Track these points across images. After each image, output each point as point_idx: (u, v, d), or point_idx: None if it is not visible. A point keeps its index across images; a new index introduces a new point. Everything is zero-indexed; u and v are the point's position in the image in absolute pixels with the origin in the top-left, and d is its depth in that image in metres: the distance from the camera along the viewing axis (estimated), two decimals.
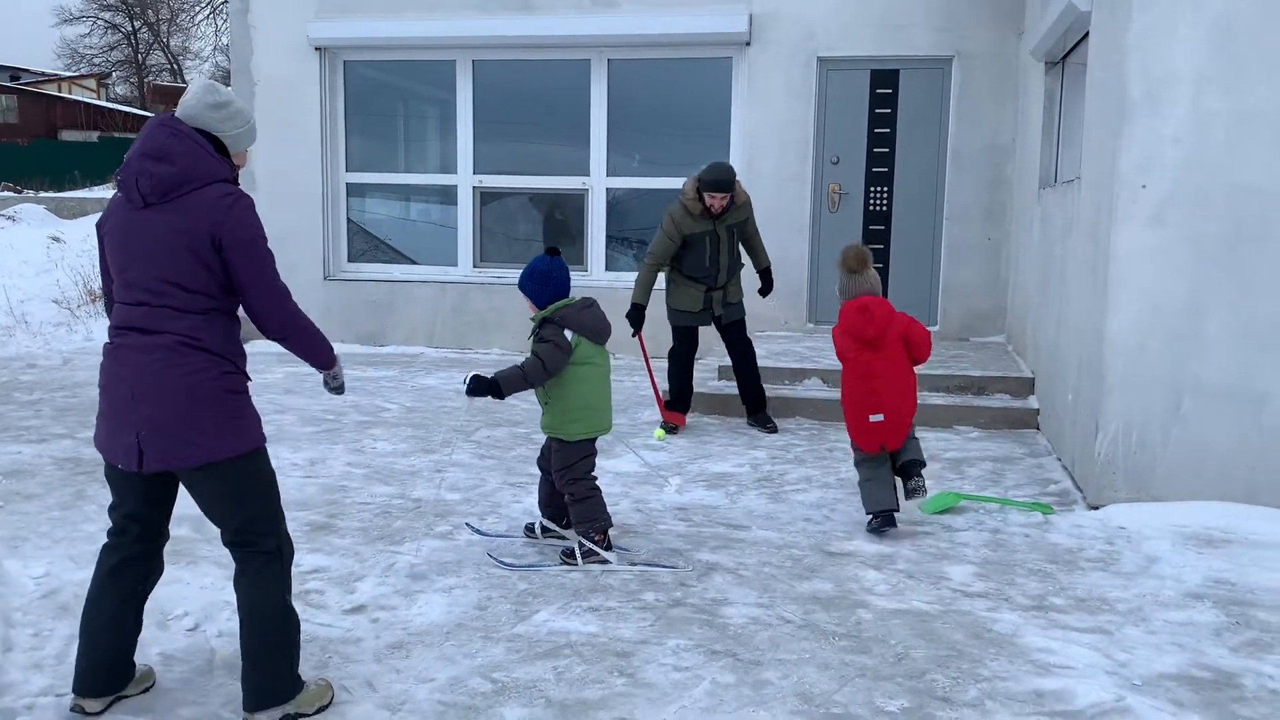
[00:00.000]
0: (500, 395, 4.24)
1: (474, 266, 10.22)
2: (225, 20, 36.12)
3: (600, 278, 9.97)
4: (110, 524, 3.11)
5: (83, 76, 47.67)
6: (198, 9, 42.03)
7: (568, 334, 4.28)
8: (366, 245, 10.56)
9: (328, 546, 4.50)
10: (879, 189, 9.31)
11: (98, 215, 18.68)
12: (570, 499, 4.40)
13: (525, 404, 7.51)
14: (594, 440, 4.46)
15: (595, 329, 4.37)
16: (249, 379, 3.06)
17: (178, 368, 2.86)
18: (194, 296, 2.88)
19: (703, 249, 6.66)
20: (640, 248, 10.12)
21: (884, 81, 9.19)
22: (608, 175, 9.89)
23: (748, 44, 9.26)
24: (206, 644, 3.54)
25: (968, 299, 9.19)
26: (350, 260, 10.49)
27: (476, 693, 3.24)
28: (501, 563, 4.31)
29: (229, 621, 3.69)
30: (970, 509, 5.15)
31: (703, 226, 6.60)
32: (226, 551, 4.32)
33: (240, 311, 3.01)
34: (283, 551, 3.08)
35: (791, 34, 9.18)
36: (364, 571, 4.21)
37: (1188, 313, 4.97)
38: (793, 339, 8.94)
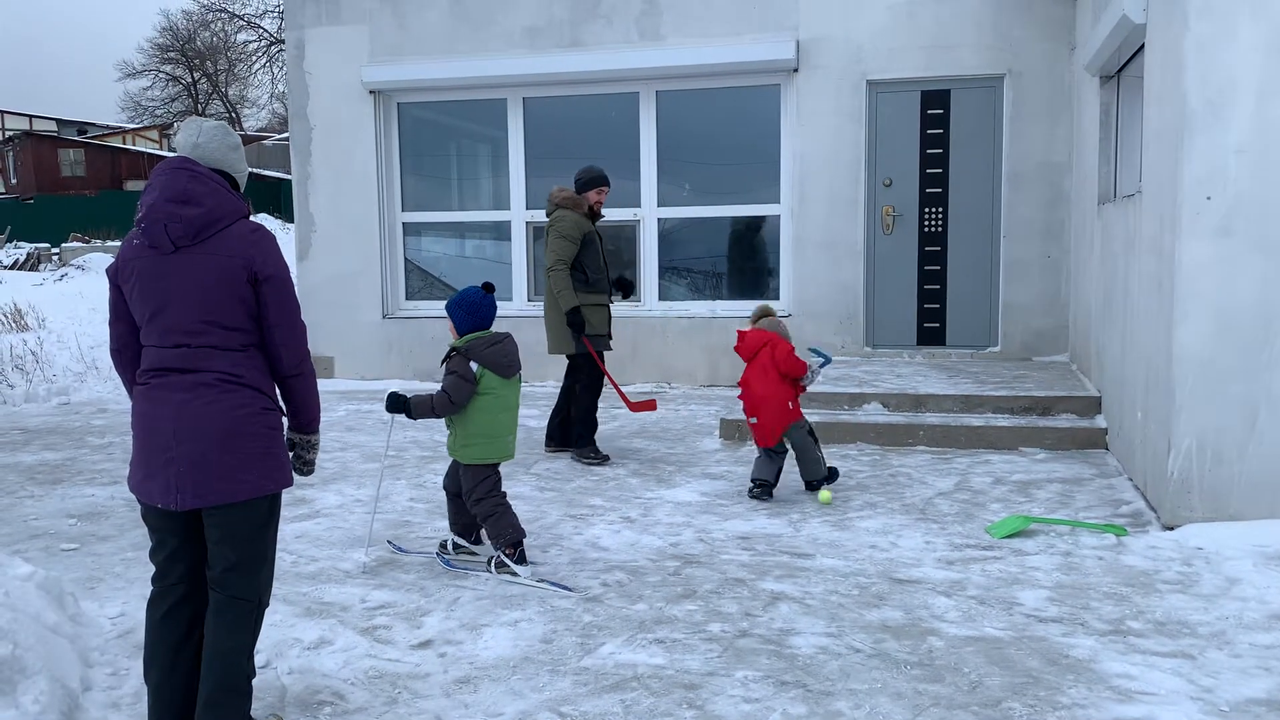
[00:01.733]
0: (411, 416, 4.52)
1: (528, 300, 10.30)
2: (281, 68, 37.11)
3: (654, 308, 9.99)
4: (154, 570, 3.11)
5: (146, 128, 49.21)
6: (254, 59, 43.23)
7: (473, 365, 4.50)
8: (423, 283, 10.70)
9: (393, 582, 4.53)
10: (934, 210, 9.23)
11: None
12: (480, 517, 4.59)
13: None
14: (494, 465, 4.64)
15: (501, 364, 4.55)
16: (283, 414, 3.10)
17: (220, 404, 2.90)
18: (232, 334, 2.93)
19: (596, 248, 6.87)
20: (694, 276, 10.14)
21: (935, 102, 9.14)
22: (659, 205, 9.94)
23: (795, 70, 9.27)
24: (277, 680, 3.57)
25: (1028, 318, 9.05)
26: (408, 298, 10.63)
27: None
28: (447, 563, 4.68)
29: (299, 659, 3.72)
30: (1040, 532, 5.04)
31: (590, 226, 6.85)
32: (294, 589, 4.41)
33: None
34: (262, 602, 3.08)
35: (839, 58, 9.17)
36: (430, 606, 4.23)
37: (1259, 324, 4.84)
38: (850, 364, 8.87)
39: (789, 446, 5.79)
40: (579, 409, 6.78)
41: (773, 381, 5.73)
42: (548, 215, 6.92)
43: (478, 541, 4.80)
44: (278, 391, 3.08)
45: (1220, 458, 4.94)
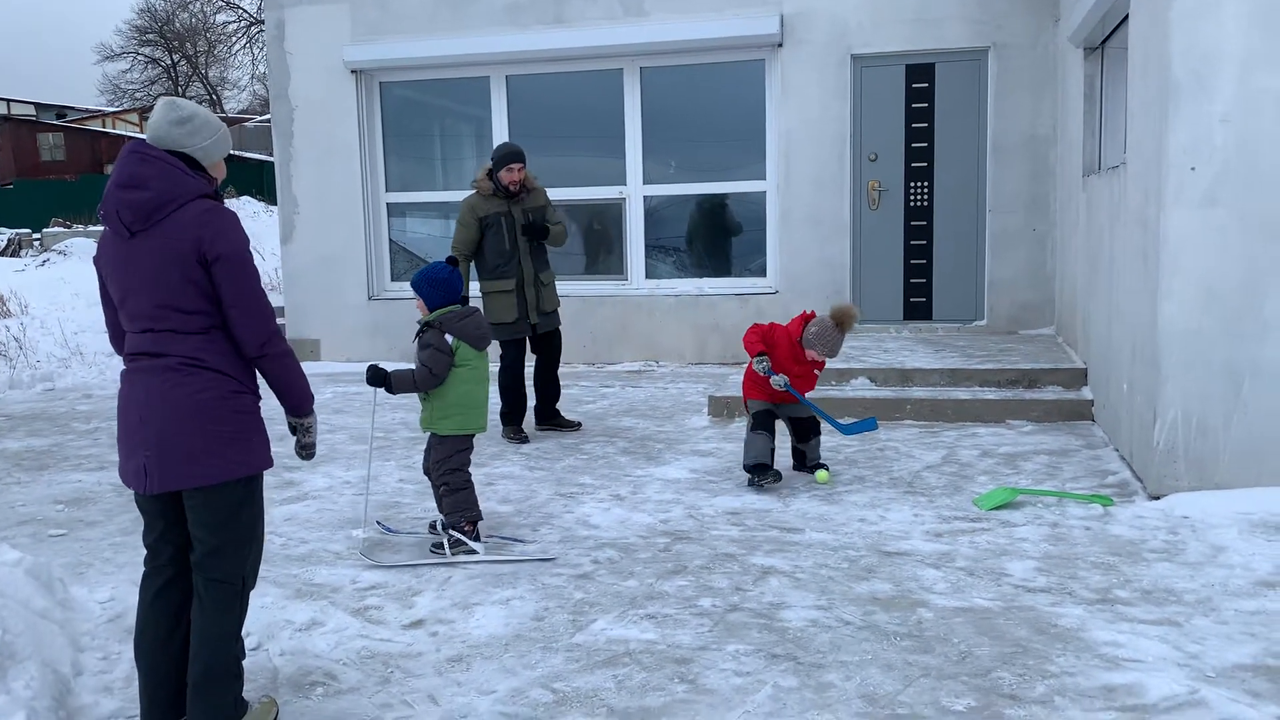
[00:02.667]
0: (391, 390, 4.54)
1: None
2: (262, 49, 36.77)
3: (641, 286, 9.98)
4: (144, 551, 3.10)
5: (125, 111, 48.71)
6: (234, 39, 42.83)
7: (448, 338, 4.56)
8: (408, 264, 10.66)
9: (384, 562, 4.52)
10: (919, 184, 9.23)
11: None
12: (445, 490, 4.62)
13: (573, 415, 7.52)
14: (470, 436, 4.70)
15: (475, 336, 4.63)
16: (259, 398, 3.04)
17: (183, 387, 2.86)
18: (191, 317, 2.88)
19: (500, 233, 6.64)
20: (680, 254, 10.12)
21: (920, 76, 9.12)
22: (644, 183, 9.91)
23: (779, 45, 9.23)
24: (269, 662, 3.57)
25: (1014, 292, 9.08)
26: (394, 280, 10.59)
27: (538, 704, 3.23)
28: (377, 563, 4.51)
29: (290, 640, 3.73)
30: (1028, 503, 5.07)
31: (497, 207, 6.64)
32: (284, 571, 4.41)
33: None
34: (245, 584, 3.05)
35: (824, 33, 9.14)
36: (421, 586, 4.23)
37: (1244, 293, 4.86)
38: None
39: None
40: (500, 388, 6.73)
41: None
42: None
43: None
44: (256, 373, 3.04)
45: (1205, 427, 4.98)
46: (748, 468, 5.48)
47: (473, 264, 6.79)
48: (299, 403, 3.13)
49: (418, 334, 4.65)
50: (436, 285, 4.65)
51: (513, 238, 6.69)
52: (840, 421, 5.59)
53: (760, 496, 5.34)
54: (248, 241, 2.95)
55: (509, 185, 6.63)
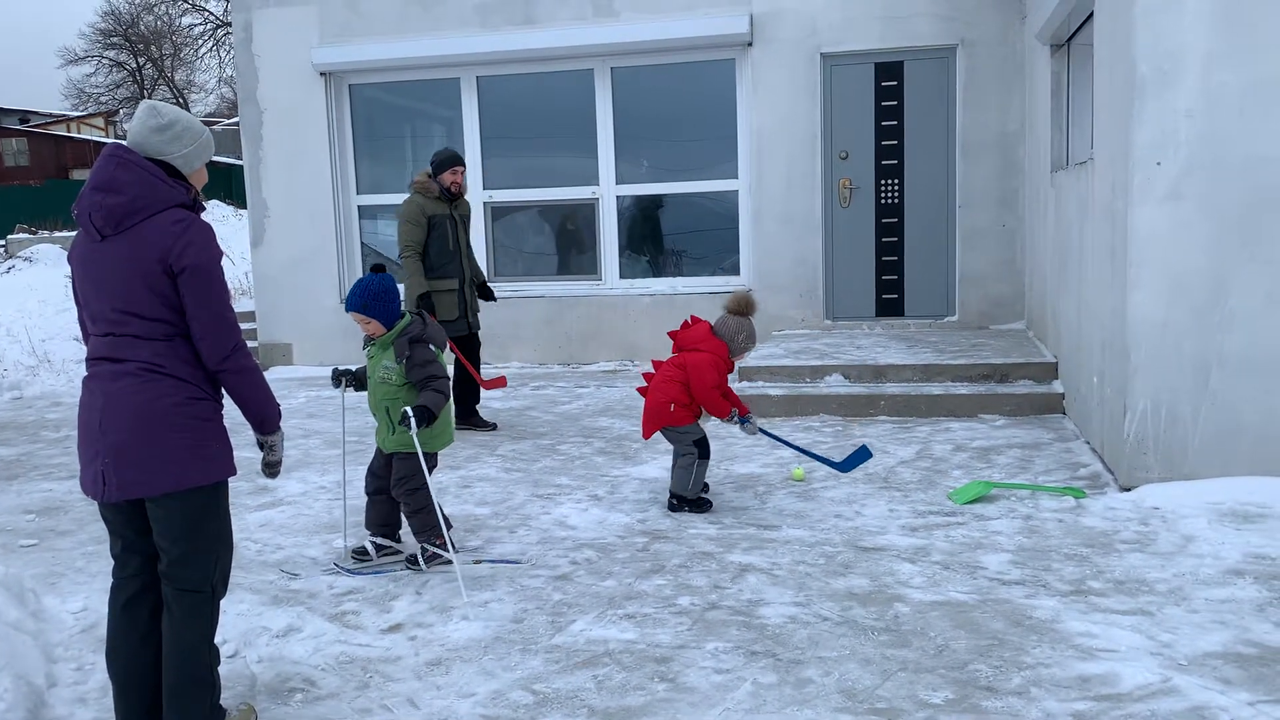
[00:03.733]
0: (433, 422, 4.23)
1: (488, 281, 10.23)
2: (229, 51, 36.44)
3: (615, 285, 9.98)
4: (112, 562, 3.06)
5: (90, 115, 48.14)
6: (201, 42, 42.43)
7: (432, 349, 4.40)
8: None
9: (361, 567, 4.50)
10: (890, 181, 9.29)
11: None
12: (410, 509, 4.41)
13: (549, 416, 7.51)
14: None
15: (442, 341, 4.50)
16: (220, 405, 2.99)
17: (141, 394, 2.82)
18: (153, 324, 2.83)
19: (445, 232, 6.89)
20: (654, 254, 10.13)
21: (889, 74, 9.18)
22: (617, 183, 9.91)
23: (749, 44, 9.26)
24: (246, 670, 3.55)
25: (985, 286, 9.15)
26: None
27: (519, 705, 3.23)
28: (344, 569, 4.43)
29: (268, 647, 3.70)
30: (1001, 497, 5.12)
31: (442, 209, 6.89)
32: (260, 578, 4.38)
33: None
34: (215, 592, 3.01)
35: (793, 31, 9.18)
36: (398, 590, 4.21)
37: (1210, 286, 4.93)
38: (811, 336, 8.92)
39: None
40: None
41: (673, 381, 5.08)
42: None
43: (398, 539, 4.59)
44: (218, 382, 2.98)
45: (1175, 418, 5.04)
46: (701, 498, 5.11)
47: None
48: (261, 419, 3.05)
49: (401, 356, 4.31)
50: (389, 297, 4.37)
51: (454, 238, 6.91)
52: (835, 460, 5.38)
53: (738, 494, 5.36)
54: (219, 255, 2.91)
55: (451, 187, 6.89)
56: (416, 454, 4.27)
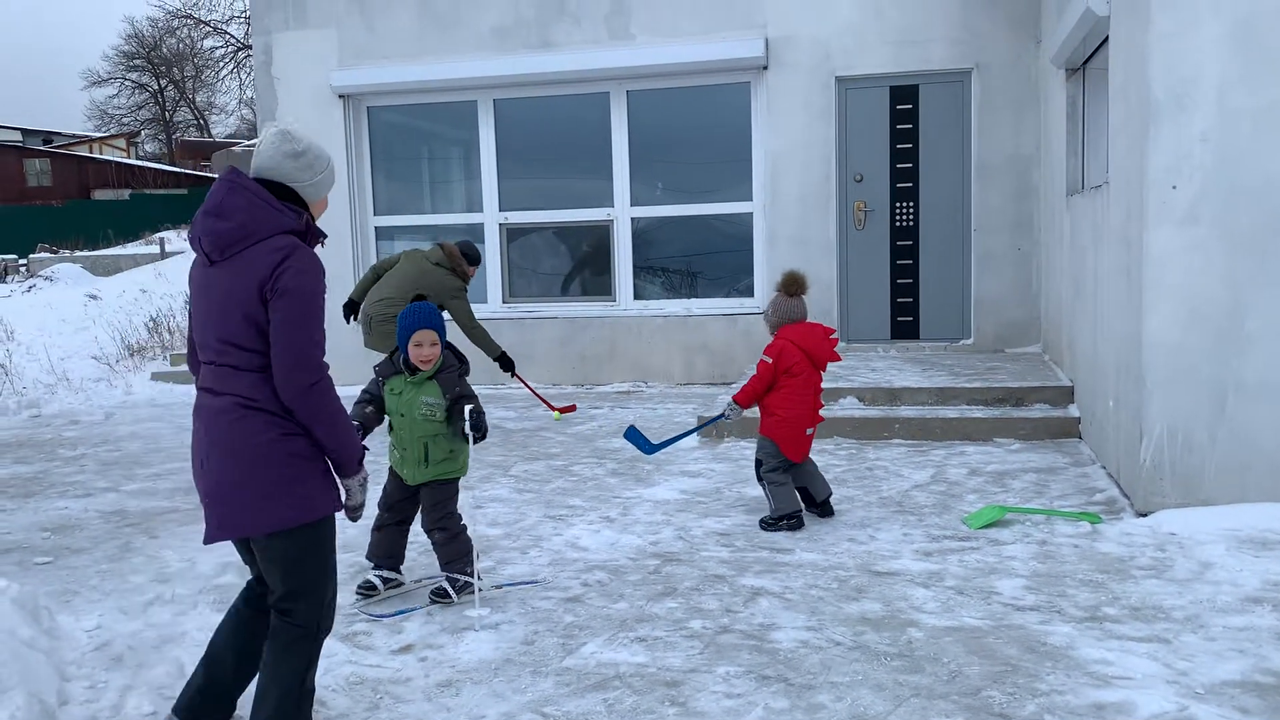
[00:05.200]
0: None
1: (503, 302, 10.28)
2: (250, 74, 36.83)
3: (629, 308, 10.00)
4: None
5: (112, 136, 48.68)
6: (222, 64, 42.87)
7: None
8: None
9: (386, 612, 4.50)
10: (904, 204, 9.29)
11: (132, 271, 19.00)
12: (446, 537, 4.31)
13: (561, 436, 7.52)
14: None
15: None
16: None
17: (235, 431, 2.78)
18: (250, 355, 2.78)
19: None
20: (668, 275, 10.15)
21: (904, 97, 9.20)
22: (632, 205, 9.95)
23: (765, 68, 9.30)
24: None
25: (1000, 310, 9.13)
26: None
27: None
28: (371, 615, 4.20)
29: None
30: (1016, 521, 5.08)
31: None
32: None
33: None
34: (320, 629, 2.98)
35: (808, 56, 9.21)
36: (411, 610, 4.21)
37: (1227, 310, 4.90)
38: None
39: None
40: None
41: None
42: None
43: (400, 571, 4.50)
44: None
45: (1191, 444, 5.00)
46: (790, 514, 5.10)
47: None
48: (339, 462, 2.94)
49: (452, 389, 4.22)
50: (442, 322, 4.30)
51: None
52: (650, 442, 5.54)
53: (750, 517, 5.34)
54: (320, 286, 2.82)
55: (469, 276, 7.65)
56: (451, 481, 4.29)
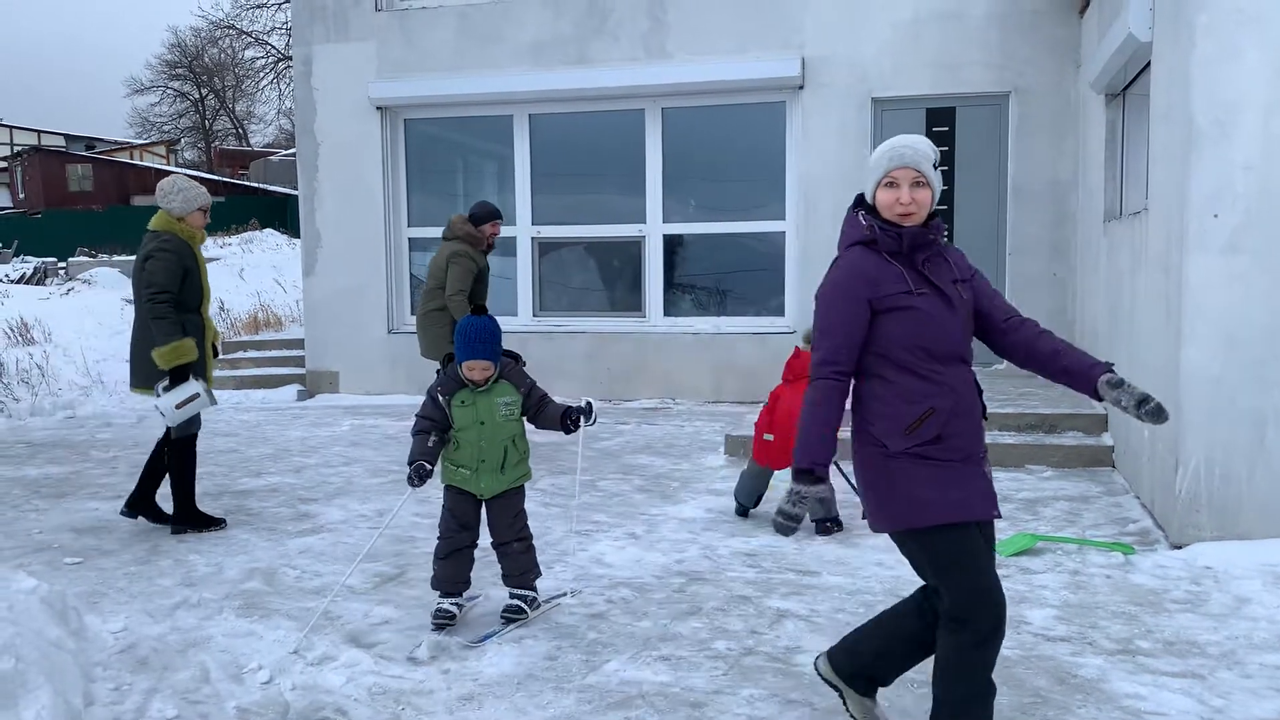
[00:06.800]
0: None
1: (534, 316, 10.31)
2: (289, 84, 37.27)
3: (659, 323, 9.99)
4: None
5: (153, 144, 49.41)
6: (262, 75, 43.42)
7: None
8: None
9: (397, 598, 4.50)
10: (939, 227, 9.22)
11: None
12: (525, 547, 4.23)
13: (588, 451, 7.51)
14: None
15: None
16: (883, 447, 2.90)
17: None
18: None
19: (485, 280, 7.31)
20: (699, 292, 10.14)
21: (940, 119, 9.15)
22: (664, 221, 9.95)
23: (800, 88, 9.30)
24: (280, 697, 3.55)
25: None
26: (413, 313, 10.63)
27: None
28: (471, 643, 4.00)
29: (302, 675, 3.70)
30: (1047, 550, 5.01)
31: (483, 261, 7.29)
32: (298, 604, 4.39)
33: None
34: (966, 624, 2.83)
35: (844, 76, 9.20)
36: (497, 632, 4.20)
37: (1268, 340, 4.82)
38: None
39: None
40: None
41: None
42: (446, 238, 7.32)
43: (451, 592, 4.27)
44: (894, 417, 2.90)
45: (1229, 476, 4.92)
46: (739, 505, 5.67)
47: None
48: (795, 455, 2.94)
49: (519, 400, 4.14)
50: (501, 339, 4.17)
51: (485, 286, 7.34)
52: None
53: (777, 537, 5.30)
54: (832, 285, 2.96)
55: (490, 239, 7.35)
56: (522, 487, 4.24)
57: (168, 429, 5.55)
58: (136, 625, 4.18)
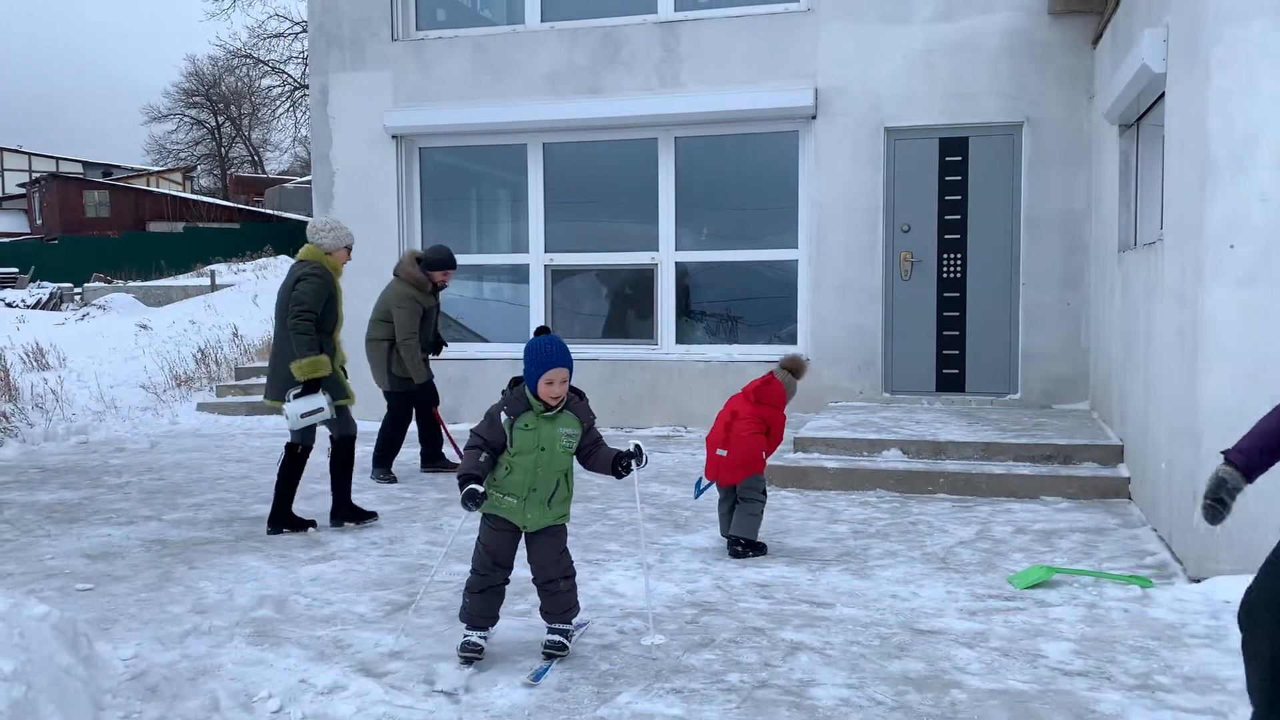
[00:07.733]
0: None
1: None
2: (305, 112, 37.58)
3: (671, 351, 9.98)
4: None
5: (169, 170, 49.90)
6: (278, 103, 43.83)
7: None
8: (441, 325, 10.72)
9: (408, 626, 4.48)
10: (952, 256, 9.22)
11: (183, 302, 19.28)
12: (570, 584, 4.12)
13: (599, 479, 7.49)
14: None
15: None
16: None
17: None
18: None
19: (430, 320, 7.85)
20: (711, 320, 10.13)
21: (953, 149, 9.17)
22: (676, 250, 9.97)
23: (813, 117, 9.33)
24: None
25: (1048, 365, 9.00)
26: None
27: None
28: (535, 680, 3.90)
29: (312, 704, 3.68)
30: (1064, 583, 4.96)
31: (429, 301, 7.79)
32: (309, 632, 4.37)
33: None
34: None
35: (857, 106, 9.23)
36: (445, 652, 4.17)
37: None
38: (869, 409, 8.81)
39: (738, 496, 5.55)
40: (382, 436, 7.79)
41: (759, 434, 5.59)
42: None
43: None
44: None
45: (1248, 509, 4.85)
46: (760, 541, 5.57)
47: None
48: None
49: (583, 421, 4.06)
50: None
51: (435, 325, 8.02)
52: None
53: (791, 569, 5.26)
54: None
55: (441, 283, 7.90)
56: (564, 525, 4.13)
57: (294, 443, 6.10)
58: (147, 652, 4.16)
